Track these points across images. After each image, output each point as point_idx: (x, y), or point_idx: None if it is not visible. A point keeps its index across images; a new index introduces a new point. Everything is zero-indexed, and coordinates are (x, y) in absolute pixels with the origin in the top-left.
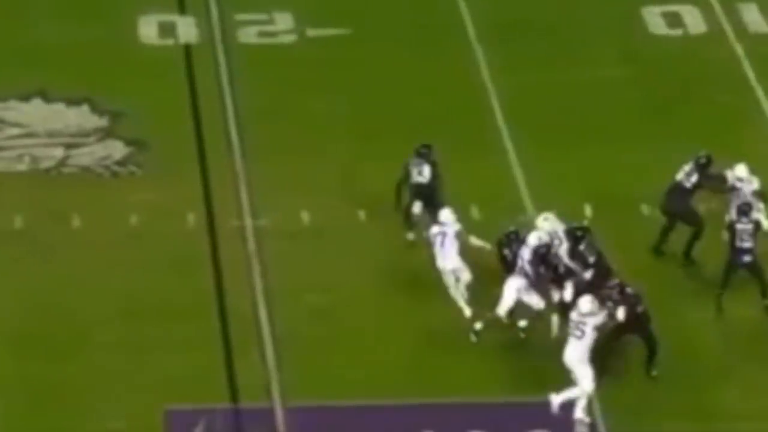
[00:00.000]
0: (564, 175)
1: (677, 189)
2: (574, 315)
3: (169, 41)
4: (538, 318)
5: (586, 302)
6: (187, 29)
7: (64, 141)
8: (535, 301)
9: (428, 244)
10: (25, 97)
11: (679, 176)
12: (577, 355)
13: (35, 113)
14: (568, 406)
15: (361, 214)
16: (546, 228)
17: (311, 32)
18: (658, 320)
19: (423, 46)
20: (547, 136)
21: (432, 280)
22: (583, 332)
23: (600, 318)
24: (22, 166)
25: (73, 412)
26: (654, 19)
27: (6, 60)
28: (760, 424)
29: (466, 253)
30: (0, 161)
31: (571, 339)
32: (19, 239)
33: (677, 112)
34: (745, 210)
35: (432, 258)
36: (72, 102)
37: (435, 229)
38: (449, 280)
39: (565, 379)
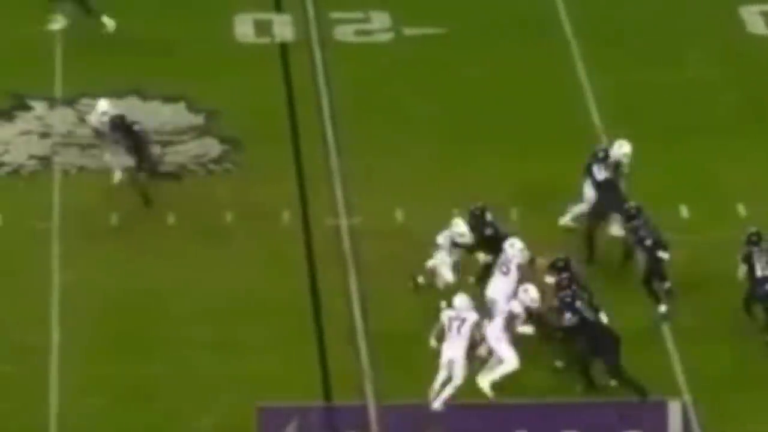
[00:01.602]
0: (660, 176)
1: (609, 185)
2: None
3: (266, 39)
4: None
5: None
6: (283, 27)
7: (159, 139)
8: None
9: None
10: (122, 95)
11: (603, 174)
12: (494, 334)
13: (131, 111)
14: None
15: (456, 214)
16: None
17: (408, 31)
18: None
19: (519, 45)
20: (644, 136)
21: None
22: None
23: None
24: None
25: (165, 409)
26: (752, 19)
27: (102, 58)
28: None
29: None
30: (96, 159)
31: (452, 335)
32: (114, 237)
33: None
34: (755, 240)
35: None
36: (168, 100)
37: (452, 314)
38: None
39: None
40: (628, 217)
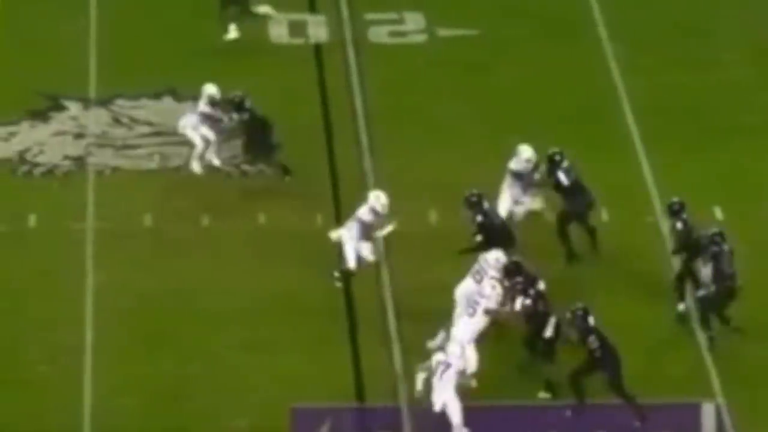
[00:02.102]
0: (694, 176)
1: (578, 187)
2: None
3: (300, 40)
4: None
5: (486, 284)
6: (317, 28)
7: None
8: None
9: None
10: (156, 96)
11: (571, 176)
12: (464, 333)
13: (166, 112)
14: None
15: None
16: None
17: (442, 32)
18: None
19: (553, 46)
20: (678, 137)
21: (550, 279)
22: (474, 311)
23: (492, 303)
24: (152, 165)
25: (199, 409)
26: None
27: (138, 59)
28: None
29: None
30: (130, 159)
31: (464, 317)
32: (148, 237)
33: None
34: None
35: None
36: None
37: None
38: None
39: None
40: (672, 213)
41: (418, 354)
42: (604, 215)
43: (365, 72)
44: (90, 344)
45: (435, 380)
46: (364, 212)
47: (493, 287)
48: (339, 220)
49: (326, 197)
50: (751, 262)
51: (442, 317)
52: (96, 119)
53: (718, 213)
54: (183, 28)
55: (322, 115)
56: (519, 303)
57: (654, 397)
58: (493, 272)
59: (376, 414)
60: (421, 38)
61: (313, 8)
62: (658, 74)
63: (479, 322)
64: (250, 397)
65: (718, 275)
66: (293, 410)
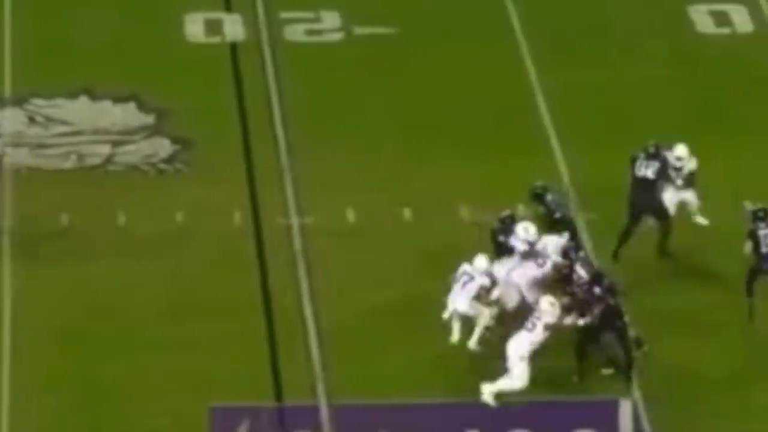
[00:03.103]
0: (611, 174)
1: (643, 184)
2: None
3: (216, 39)
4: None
5: (545, 300)
6: (233, 27)
7: (110, 139)
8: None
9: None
10: (72, 95)
11: (640, 172)
12: (519, 347)
13: (82, 111)
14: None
15: (406, 213)
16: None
17: (358, 30)
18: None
19: (469, 45)
20: (594, 136)
21: None
22: (534, 326)
23: (552, 318)
24: (69, 164)
25: (118, 408)
26: (701, 18)
27: (52, 58)
28: None
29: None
30: (47, 159)
31: (522, 330)
32: (65, 237)
33: (725, 111)
34: (761, 216)
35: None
36: (118, 100)
37: (467, 269)
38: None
39: (607, 378)
40: (755, 218)
41: (336, 352)
42: (521, 212)
43: (282, 70)
44: (8, 345)
45: (456, 286)
46: (518, 244)
47: (552, 304)
48: (256, 219)
49: (244, 197)
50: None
51: (361, 314)
52: (11, 119)
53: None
54: (97, 26)
55: (238, 113)
56: (582, 318)
57: (573, 394)
58: (555, 256)
59: (294, 412)
60: (337, 37)
61: (228, 7)
62: (574, 73)
63: (538, 336)
64: (168, 395)
65: None
66: (211, 409)
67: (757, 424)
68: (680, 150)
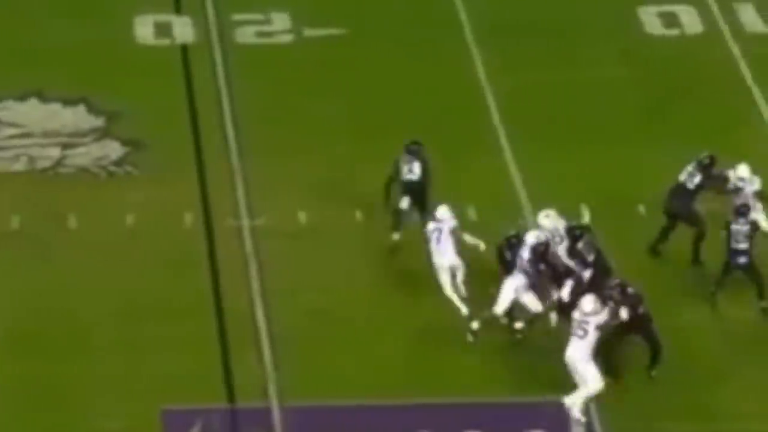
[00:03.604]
0: (561, 175)
1: (680, 190)
2: (576, 314)
3: (166, 41)
4: (535, 320)
5: (588, 301)
6: (183, 29)
7: (60, 141)
8: (532, 303)
9: (425, 241)
10: (22, 97)
11: (682, 177)
12: (579, 354)
13: (32, 113)
14: (567, 406)
15: (358, 214)
16: (547, 225)
17: (308, 32)
18: (656, 320)
19: (420, 45)
20: (544, 136)
21: (428, 278)
22: (585, 331)
23: (602, 317)
24: (19, 167)
25: (71, 412)
26: (650, 20)
27: (2, 60)
28: (758, 425)
29: (462, 250)
30: None
31: (574, 339)
32: (15, 240)
33: (674, 112)
34: (742, 211)
35: (428, 255)
36: (68, 102)
37: (431, 226)
38: (445, 278)
39: (561, 378)
40: (736, 213)
41: (288, 353)
42: (472, 214)
43: (232, 72)
44: None
45: (432, 245)
46: (531, 237)
47: (594, 302)
48: (207, 220)
49: (195, 198)
50: (616, 261)
51: (313, 315)
52: None
53: (585, 210)
54: (47, 28)
55: (189, 115)
56: (624, 312)
57: (528, 395)
58: (527, 255)
59: (246, 414)
60: (287, 38)
61: (178, 9)
62: (523, 73)
63: (593, 338)
64: (121, 398)
65: None
66: (164, 412)
67: (710, 424)
68: (742, 170)
